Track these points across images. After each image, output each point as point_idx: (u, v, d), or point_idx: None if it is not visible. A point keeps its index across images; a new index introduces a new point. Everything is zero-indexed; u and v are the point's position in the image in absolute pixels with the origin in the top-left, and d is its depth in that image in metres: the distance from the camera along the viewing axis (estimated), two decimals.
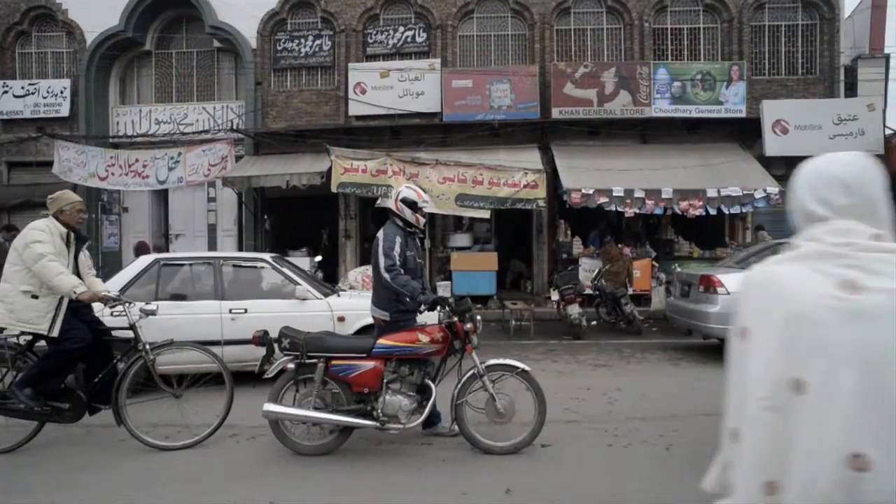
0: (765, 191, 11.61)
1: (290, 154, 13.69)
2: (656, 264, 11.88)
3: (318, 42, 14.36)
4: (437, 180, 11.97)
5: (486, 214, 12.03)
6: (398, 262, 4.40)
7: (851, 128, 12.70)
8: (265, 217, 14.56)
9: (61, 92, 14.56)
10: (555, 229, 13.37)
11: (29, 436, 4.49)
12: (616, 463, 4.09)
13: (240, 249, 14.44)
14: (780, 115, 12.80)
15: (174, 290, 6.35)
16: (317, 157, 12.93)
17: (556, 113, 13.11)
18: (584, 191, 11.69)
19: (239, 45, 14.23)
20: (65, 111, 14.53)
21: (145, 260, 6.51)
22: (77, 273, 4.57)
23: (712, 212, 11.70)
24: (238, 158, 13.81)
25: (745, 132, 13.21)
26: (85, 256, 4.76)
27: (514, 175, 11.84)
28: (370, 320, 5.19)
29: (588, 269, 11.89)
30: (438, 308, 4.34)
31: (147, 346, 4.50)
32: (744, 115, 12.94)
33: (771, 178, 12.13)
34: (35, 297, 4.31)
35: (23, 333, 4.45)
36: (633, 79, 12.96)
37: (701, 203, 11.64)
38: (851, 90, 13.44)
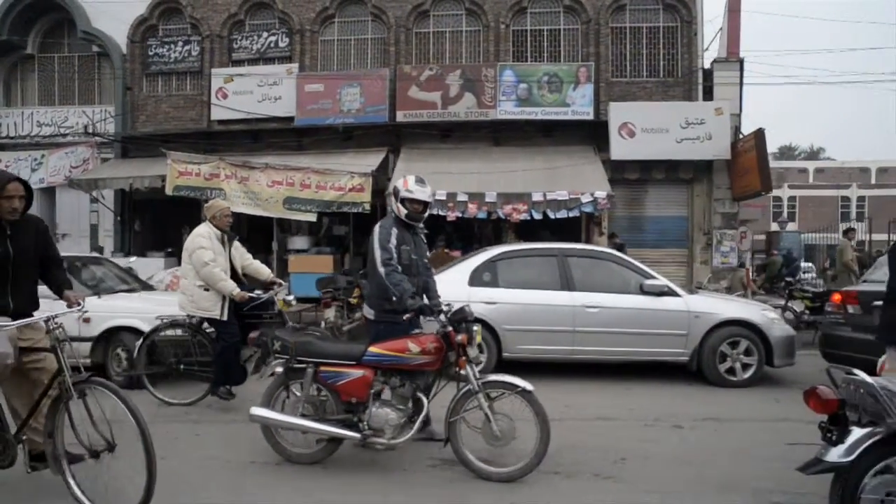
0: (592, 195, 11.32)
1: (157, 157, 13.91)
2: None
3: (186, 48, 14.60)
4: (266, 184, 12.03)
5: (312, 217, 12.03)
6: (395, 256, 4.12)
7: (699, 132, 12.34)
8: (136, 219, 14.84)
9: None
10: None
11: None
12: None
13: (118, 251, 14.72)
14: (627, 118, 12.52)
15: None
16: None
17: (401, 116, 13.06)
18: None
19: (109, 51, 14.56)
20: None
21: None
22: (232, 266, 5.50)
23: (537, 216, 11.47)
24: (106, 161, 14.13)
25: (599, 135, 12.91)
26: (237, 250, 5.63)
27: (341, 178, 11.82)
28: (116, 323, 5.67)
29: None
30: (424, 317, 4.02)
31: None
32: (591, 117, 12.68)
33: (607, 182, 11.85)
34: (207, 289, 5.28)
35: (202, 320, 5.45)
36: (479, 81, 12.82)
37: (526, 207, 11.42)
38: (710, 94, 13.03)
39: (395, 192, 4.30)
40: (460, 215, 11.56)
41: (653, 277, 6.26)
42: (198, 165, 12.28)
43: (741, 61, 12.97)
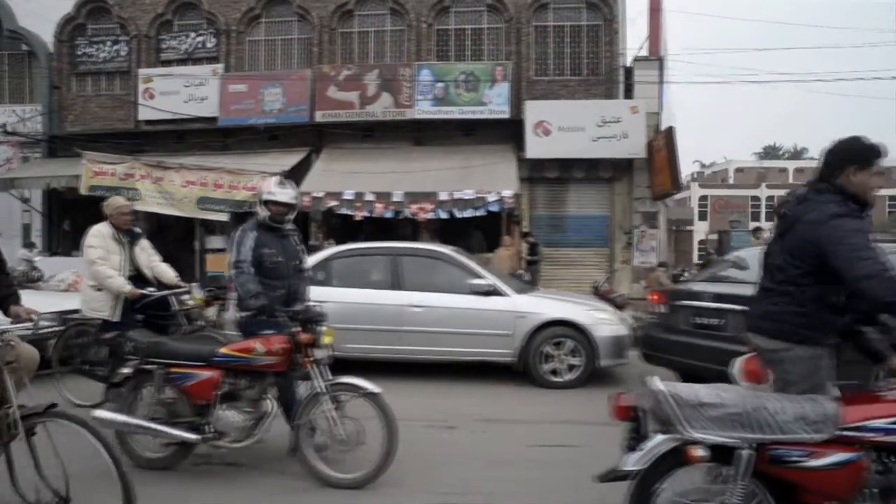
0: (499, 194, 11.31)
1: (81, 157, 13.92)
2: None
3: (115, 47, 14.59)
4: (180, 184, 12.05)
5: (224, 217, 12.04)
6: (248, 259, 4.10)
7: (615, 130, 12.31)
8: (66, 218, 14.83)
9: None
10: (324, 233, 13.25)
11: None
12: None
13: (45, 250, 14.71)
14: (543, 117, 12.50)
15: None
16: None
17: (319, 116, 13.04)
18: (313, 194, 11.58)
19: (36, 49, 14.56)
20: None
21: None
22: (136, 266, 5.26)
23: (443, 215, 11.48)
24: (27, 160, 14.12)
25: (518, 134, 12.89)
26: (143, 250, 5.37)
27: (253, 178, 11.79)
28: None
29: None
30: (267, 316, 3.91)
31: None
32: (507, 116, 12.65)
33: (516, 181, 11.83)
34: (99, 289, 5.04)
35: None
36: (396, 80, 12.79)
37: (432, 206, 11.42)
38: (631, 92, 12.99)
39: (259, 195, 4.30)
40: (368, 215, 11.56)
41: (480, 277, 6.22)
42: (113, 165, 12.28)
43: (661, 60, 12.94)
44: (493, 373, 6.34)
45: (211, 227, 13.72)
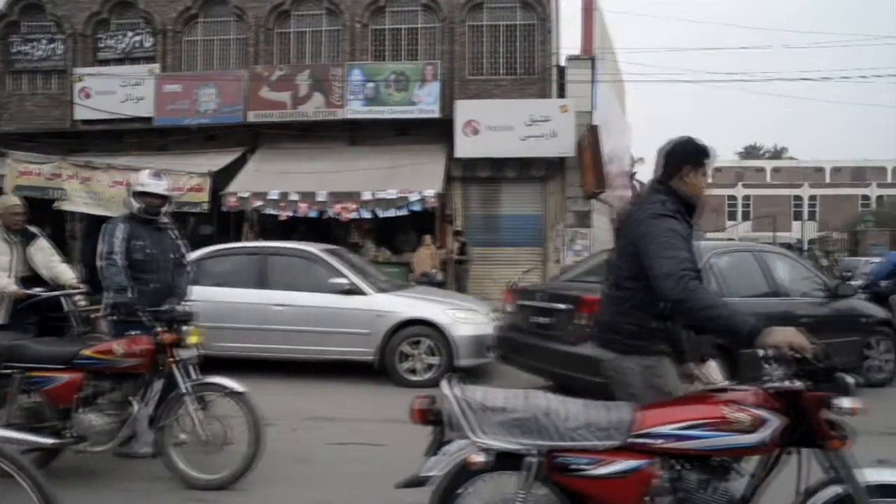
0: (420, 194, 11.33)
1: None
2: None
3: (51, 46, 14.53)
4: (108, 184, 12.00)
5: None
6: (119, 251, 4.01)
7: (544, 129, 12.34)
8: None
9: None
10: (255, 233, 13.23)
11: None
12: None
13: None
14: (472, 116, 12.52)
15: None
16: None
17: (252, 116, 13.02)
18: (239, 194, 11.58)
19: None
20: None
21: None
22: (30, 267, 5.06)
23: (366, 215, 11.49)
24: None
25: (450, 134, 12.88)
26: (40, 250, 5.13)
27: (180, 179, 11.77)
28: None
29: None
30: (126, 314, 3.86)
31: None
32: (437, 115, 12.65)
33: (441, 181, 11.86)
34: None
35: None
36: (327, 81, 12.78)
37: (356, 206, 11.44)
38: (564, 91, 13.03)
39: (131, 187, 4.20)
40: (292, 215, 11.55)
41: (340, 275, 6.24)
42: (39, 165, 12.23)
43: (593, 59, 12.98)
44: (360, 372, 6.35)
45: None
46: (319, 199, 11.42)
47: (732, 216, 46.23)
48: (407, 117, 12.78)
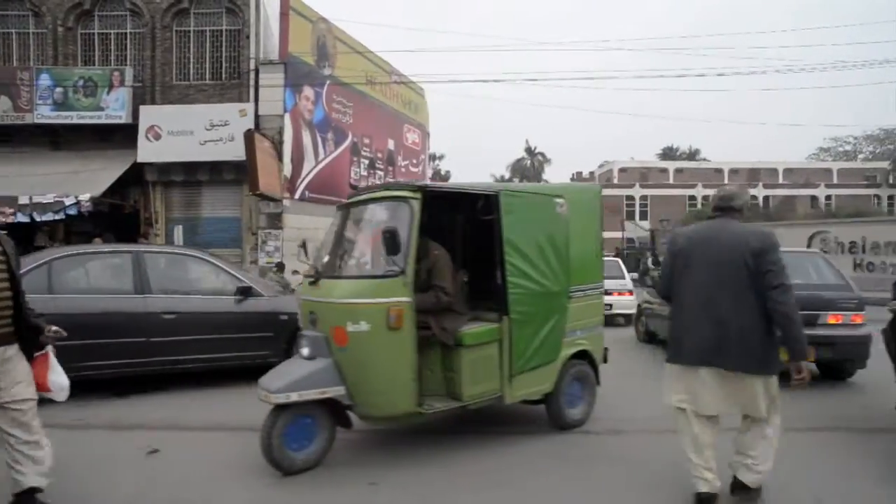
0: (76, 198, 11.41)
1: None
2: None
3: None
4: None
5: None
6: None
7: (222, 133, 12.55)
8: None
9: None
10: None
11: None
12: None
13: None
14: (155, 121, 12.67)
15: None
16: None
17: None
18: None
19: None
20: None
21: None
22: None
23: (24, 219, 11.50)
24: None
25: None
26: None
27: None
28: None
29: None
30: None
31: None
32: (123, 120, 12.75)
33: (104, 185, 11.97)
34: None
35: None
36: (14, 84, 12.79)
37: (13, 210, 11.46)
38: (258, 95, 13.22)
39: None
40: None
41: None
42: None
43: (285, 63, 13.19)
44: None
45: None
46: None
47: (630, 216, 47.11)
48: (95, 122, 12.86)
